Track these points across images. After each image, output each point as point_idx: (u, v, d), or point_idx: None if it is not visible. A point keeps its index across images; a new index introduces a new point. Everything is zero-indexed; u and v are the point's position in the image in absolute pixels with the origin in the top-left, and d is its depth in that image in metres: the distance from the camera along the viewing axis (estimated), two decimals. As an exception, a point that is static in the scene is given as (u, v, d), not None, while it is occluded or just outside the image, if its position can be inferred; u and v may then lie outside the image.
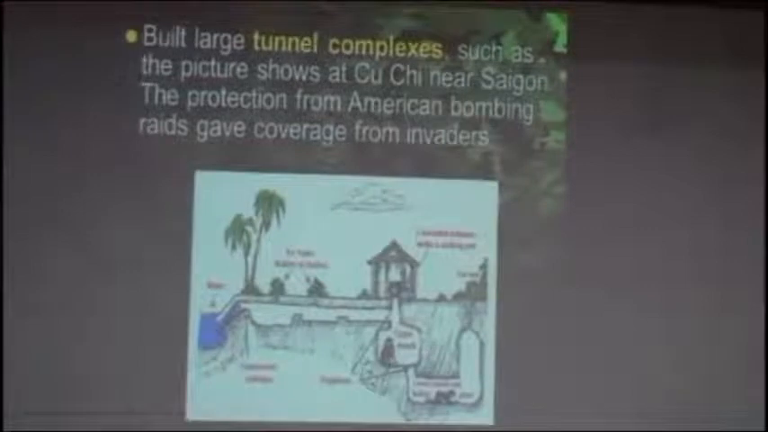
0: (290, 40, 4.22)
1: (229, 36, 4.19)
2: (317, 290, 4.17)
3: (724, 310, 4.23)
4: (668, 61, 4.28)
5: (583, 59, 4.26)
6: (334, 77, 4.23)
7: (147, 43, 4.16)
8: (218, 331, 4.13)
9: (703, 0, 4.25)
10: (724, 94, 4.29)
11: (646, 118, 4.26)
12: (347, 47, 4.24)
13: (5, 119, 4.06)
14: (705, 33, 4.28)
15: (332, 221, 4.19)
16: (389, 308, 4.20)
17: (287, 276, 4.16)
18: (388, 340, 4.19)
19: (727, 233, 4.26)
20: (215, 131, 4.18)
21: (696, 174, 4.27)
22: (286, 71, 4.21)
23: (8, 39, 4.07)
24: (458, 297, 4.21)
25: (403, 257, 4.20)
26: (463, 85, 4.26)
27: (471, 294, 4.22)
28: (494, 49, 4.27)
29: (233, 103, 4.19)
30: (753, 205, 4.26)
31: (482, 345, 4.21)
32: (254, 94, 4.20)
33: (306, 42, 4.22)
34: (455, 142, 4.24)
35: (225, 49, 4.19)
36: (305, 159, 4.20)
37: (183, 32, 4.18)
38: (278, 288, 4.16)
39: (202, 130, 4.18)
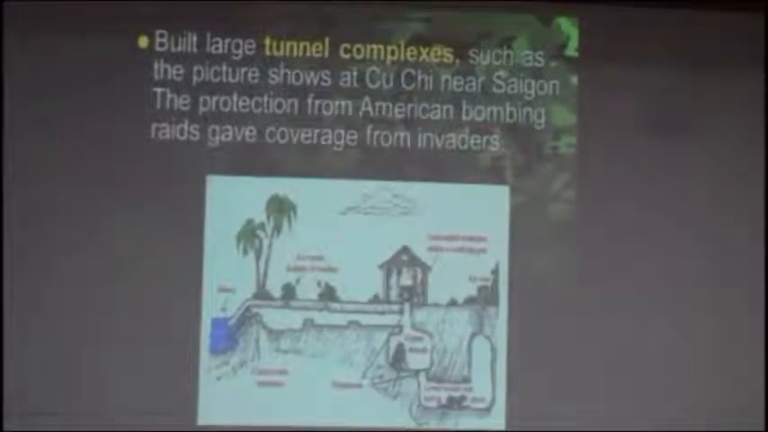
0: (302, 45, 4.23)
1: (241, 41, 4.20)
2: (328, 294, 4.17)
3: (724, 309, 4.22)
4: (680, 65, 4.27)
5: (594, 63, 4.26)
6: (345, 82, 4.23)
7: (158, 48, 4.18)
8: (229, 336, 4.14)
9: (709, 2, 4.26)
10: (737, 96, 4.29)
11: (657, 122, 4.26)
12: (358, 52, 4.24)
13: (8, 123, 4.07)
14: (716, 36, 4.28)
15: (343, 226, 4.19)
16: (401, 312, 4.19)
17: (298, 281, 4.17)
18: (400, 345, 4.19)
19: (729, 234, 4.25)
20: (226, 136, 4.19)
21: (706, 177, 4.26)
22: (297, 76, 4.22)
23: (7, 40, 4.08)
24: (469, 301, 4.21)
25: (414, 262, 4.20)
26: (474, 89, 4.26)
27: (483, 299, 4.21)
28: (505, 53, 4.27)
29: (244, 107, 4.20)
30: (753, 205, 4.25)
31: (494, 349, 4.21)
32: (265, 99, 4.21)
33: (317, 47, 4.23)
34: (466, 146, 4.24)
35: (236, 54, 4.20)
36: (316, 164, 4.20)
37: (195, 38, 4.20)
38: (289, 292, 4.17)
39: (214, 134, 4.19)
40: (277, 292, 4.17)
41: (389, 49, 4.25)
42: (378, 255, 4.19)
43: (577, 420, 4.16)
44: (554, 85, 4.27)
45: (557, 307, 4.19)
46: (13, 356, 4.02)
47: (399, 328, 4.19)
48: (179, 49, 4.19)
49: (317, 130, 4.22)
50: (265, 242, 4.17)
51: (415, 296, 4.20)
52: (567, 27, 4.29)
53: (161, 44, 4.19)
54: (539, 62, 4.28)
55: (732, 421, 4.18)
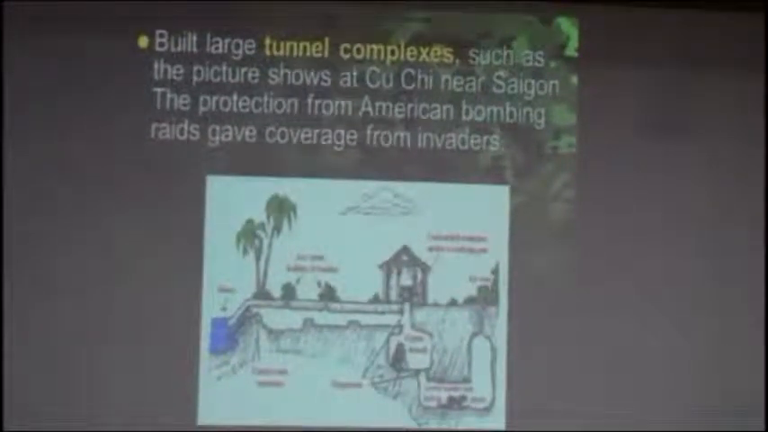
0: (302, 45, 4.23)
1: (241, 41, 4.20)
2: (328, 294, 4.17)
3: (724, 309, 4.23)
4: (680, 65, 4.28)
5: (594, 63, 4.26)
6: (345, 82, 4.23)
7: (158, 48, 4.18)
8: (229, 336, 4.14)
9: (709, 3, 4.27)
10: (737, 96, 4.29)
11: (657, 122, 4.27)
12: (358, 52, 4.24)
13: (8, 123, 4.07)
14: (716, 36, 4.29)
15: (343, 226, 4.19)
16: (401, 312, 4.19)
17: (298, 281, 4.17)
18: (400, 345, 4.19)
19: (729, 234, 4.25)
20: (226, 136, 4.19)
21: (706, 177, 4.27)
22: (297, 76, 4.22)
23: (7, 40, 4.08)
24: (469, 301, 4.21)
25: (414, 262, 4.20)
26: (474, 89, 4.26)
27: (483, 299, 4.21)
28: (505, 53, 4.27)
29: (244, 107, 4.20)
30: (753, 205, 4.25)
31: (494, 349, 4.21)
32: (265, 99, 4.21)
33: (317, 47, 4.23)
34: (466, 146, 4.24)
35: (236, 54, 4.20)
36: (316, 164, 4.20)
37: (195, 37, 4.19)
38: (289, 292, 4.17)
39: (214, 134, 4.19)
40: (277, 292, 4.17)
41: (389, 49, 4.25)
42: (378, 255, 4.19)
43: (577, 420, 4.16)
44: (554, 85, 4.28)
45: (557, 307, 4.19)
46: (13, 356, 4.02)
47: (399, 328, 4.19)
48: (179, 49, 4.19)
49: (316, 130, 4.22)
50: (265, 242, 4.17)
51: (414, 296, 4.20)
52: (567, 27, 4.29)
53: (161, 44, 4.19)
54: (539, 62, 4.28)
55: (732, 421, 4.18)
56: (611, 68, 4.26)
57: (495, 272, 4.22)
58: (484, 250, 4.22)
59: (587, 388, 4.19)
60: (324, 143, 4.22)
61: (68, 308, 4.07)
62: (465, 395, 4.19)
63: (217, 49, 4.20)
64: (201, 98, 4.19)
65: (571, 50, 4.29)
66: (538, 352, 4.18)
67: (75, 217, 4.10)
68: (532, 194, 4.24)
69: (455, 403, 4.19)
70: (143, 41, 4.18)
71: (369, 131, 4.23)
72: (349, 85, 4.23)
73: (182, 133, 4.17)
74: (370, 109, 4.23)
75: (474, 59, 4.26)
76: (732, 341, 4.24)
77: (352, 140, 4.22)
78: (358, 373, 4.17)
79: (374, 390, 4.17)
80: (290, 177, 4.19)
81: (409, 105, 4.24)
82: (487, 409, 4.19)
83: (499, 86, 4.27)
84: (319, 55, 4.23)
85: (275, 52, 4.22)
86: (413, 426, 4.18)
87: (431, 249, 4.21)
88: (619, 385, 4.20)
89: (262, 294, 4.16)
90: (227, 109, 4.19)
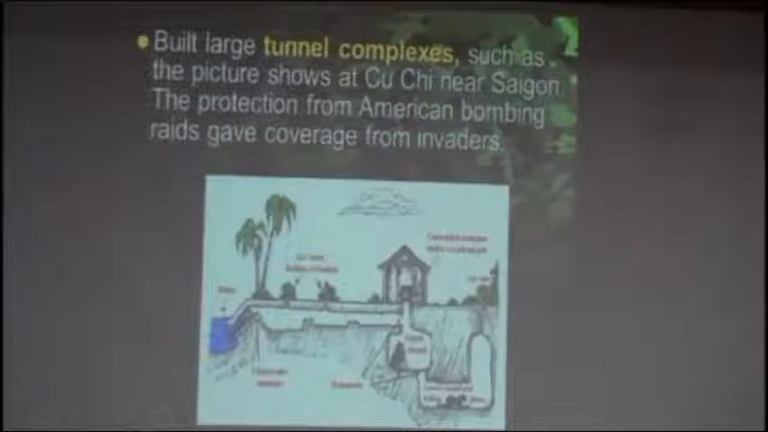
0: (301, 44, 4.23)
1: (240, 41, 4.21)
2: (327, 294, 4.17)
3: (724, 309, 4.23)
4: (680, 65, 4.28)
5: (594, 63, 4.26)
6: (344, 82, 4.23)
7: (158, 48, 4.18)
8: (229, 336, 4.14)
9: (709, 2, 4.27)
10: (737, 96, 4.29)
11: (656, 122, 4.27)
12: (358, 51, 4.24)
13: (8, 123, 4.08)
14: (716, 36, 4.29)
15: (342, 226, 4.19)
16: (400, 312, 4.20)
17: (298, 281, 4.17)
18: (399, 345, 4.19)
19: (729, 234, 4.25)
20: (226, 136, 4.19)
21: (706, 176, 4.27)
22: (297, 76, 4.22)
23: (7, 41, 4.09)
24: (469, 301, 4.21)
25: (414, 262, 4.20)
26: (474, 89, 4.26)
27: (482, 299, 4.21)
28: (504, 53, 4.27)
29: (244, 107, 4.20)
30: (753, 205, 4.25)
31: (493, 349, 4.21)
32: (264, 99, 4.21)
33: (317, 47, 4.23)
34: (466, 147, 4.25)
35: (236, 54, 4.20)
36: (316, 164, 4.20)
37: (194, 37, 4.20)
38: (289, 292, 4.17)
39: (213, 134, 4.19)
40: (277, 292, 4.17)
41: (389, 49, 4.25)
42: (377, 255, 4.20)
43: (577, 420, 4.16)
44: (554, 84, 4.27)
45: (556, 307, 4.19)
46: (13, 356, 4.03)
47: (399, 327, 4.20)
48: (178, 48, 4.19)
49: (316, 130, 4.22)
50: (265, 242, 4.17)
51: (414, 296, 4.20)
52: (567, 27, 4.29)
53: (160, 44, 4.19)
54: (538, 62, 4.28)
55: (732, 421, 4.18)
56: (611, 68, 4.26)
57: (495, 272, 4.22)
58: (483, 250, 4.22)
59: (587, 388, 4.19)
60: (323, 143, 4.22)
61: (68, 307, 4.08)
62: (464, 395, 4.19)
63: (216, 49, 4.20)
64: (201, 98, 4.19)
65: (571, 50, 4.29)
66: (537, 352, 4.18)
67: (75, 217, 4.10)
68: (532, 194, 4.24)
69: (454, 403, 4.19)
70: (142, 41, 4.18)
71: (368, 131, 4.23)
72: (349, 84, 4.23)
73: (181, 133, 4.18)
74: (369, 109, 4.23)
75: (474, 59, 4.26)
76: (732, 341, 4.24)
77: (351, 140, 4.22)
78: (358, 373, 4.17)
79: (374, 390, 4.17)
80: (289, 177, 4.19)
81: (409, 105, 4.24)
82: (487, 409, 4.19)
83: (499, 86, 4.27)
84: (319, 55, 4.23)
85: (275, 52, 4.22)
86: (412, 426, 4.18)
87: (430, 249, 4.21)
88: (618, 385, 4.20)
89: (261, 294, 4.16)
90: (227, 109, 4.20)
